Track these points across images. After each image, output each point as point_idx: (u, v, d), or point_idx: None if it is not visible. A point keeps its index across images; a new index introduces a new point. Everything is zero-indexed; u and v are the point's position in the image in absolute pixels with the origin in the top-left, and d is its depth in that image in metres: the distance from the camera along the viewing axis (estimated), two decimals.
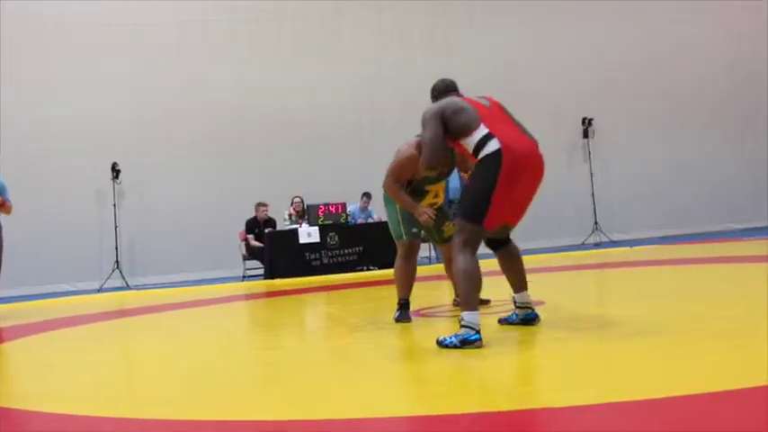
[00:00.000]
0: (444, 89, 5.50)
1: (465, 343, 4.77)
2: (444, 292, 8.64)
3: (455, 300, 6.53)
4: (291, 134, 16.64)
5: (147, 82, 16.15)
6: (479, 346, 4.74)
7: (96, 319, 9.37)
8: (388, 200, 6.44)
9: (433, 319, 6.64)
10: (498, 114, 5.24)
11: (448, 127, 5.13)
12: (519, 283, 5.56)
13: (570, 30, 17.93)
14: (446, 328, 5.61)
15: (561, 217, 17.25)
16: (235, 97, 16.57)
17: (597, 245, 16.75)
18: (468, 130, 5.05)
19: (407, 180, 6.24)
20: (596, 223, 17.26)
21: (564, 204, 17.36)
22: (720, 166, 18.36)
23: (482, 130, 5.01)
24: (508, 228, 5.44)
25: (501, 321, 5.70)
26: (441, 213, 6.46)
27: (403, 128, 14.94)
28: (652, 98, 18.04)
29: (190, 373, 4.97)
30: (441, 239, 6.59)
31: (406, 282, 6.43)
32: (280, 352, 5.80)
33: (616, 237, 17.07)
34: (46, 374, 5.38)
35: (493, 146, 4.93)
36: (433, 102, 5.45)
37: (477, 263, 5.00)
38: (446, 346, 4.80)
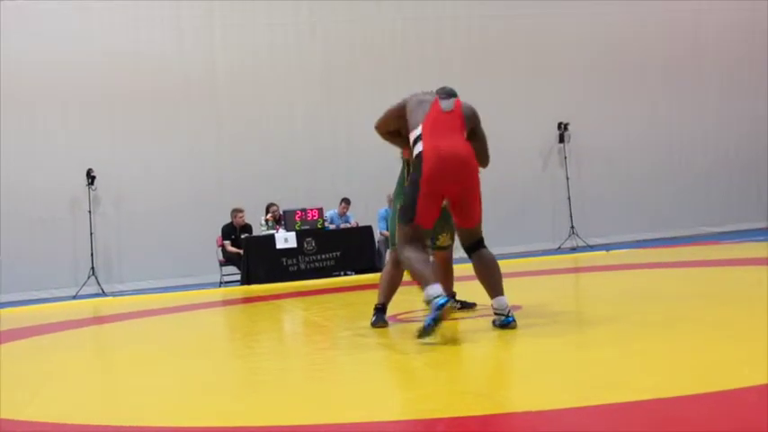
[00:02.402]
0: (434, 90, 5.77)
1: (440, 309, 4.98)
2: (422, 297, 8.65)
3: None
4: (268, 140, 16.60)
5: (122, 89, 16.07)
6: (453, 306, 5.29)
7: (72, 326, 9.30)
8: (396, 202, 6.40)
9: (411, 324, 6.63)
10: (444, 124, 5.48)
11: (406, 116, 5.61)
12: (491, 288, 5.53)
13: (546, 34, 18.00)
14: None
15: (537, 221, 17.34)
16: (210, 103, 16.55)
17: (573, 249, 16.83)
18: (412, 128, 5.54)
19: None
20: (572, 227, 17.34)
21: (540, 209, 17.46)
22: (696, 170, 18.50)
23: (417, 131, 5.47)
24: (465, 232, 5.57)
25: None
26: (442, 218, 6.10)
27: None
28: (627, 102, 18.14)
29: (166, 381, 4.95)
30: (434, 246, 6.52)
31: (389, 288, 6.36)
32: (257, 358, 5.78)
33: (592, 241, 17.15)
34: (19, 382, 5.34)
35: (418, 148, 5.41)
36: None
37: (420, 250, 5.38)
38: (429, 330, 5.01)
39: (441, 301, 5.00)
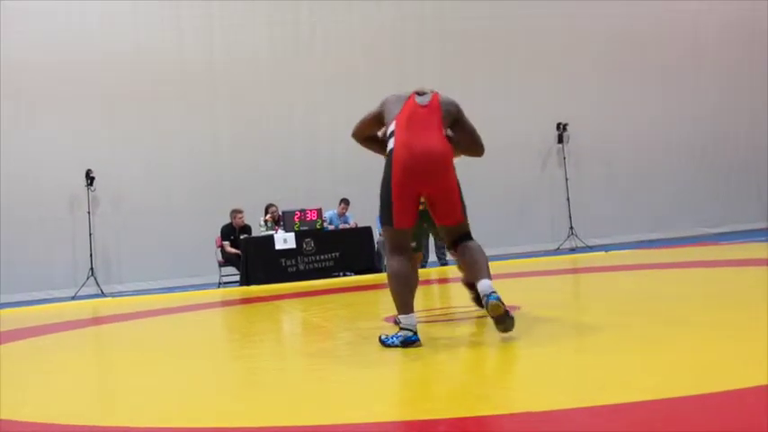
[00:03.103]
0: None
1: (406, 344, 5.01)
2: (421, 297, 8.64)
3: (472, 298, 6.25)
4: (267, 141, 16.61)
5: (121, 91, 16.09)
6: (419, 346, 5.01)
7: (71, 326, 9.30)
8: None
9: (425, 323, 6.62)
10: (418, 118, 5.28)
11: (384, 113, 5.47)
12: (477, 272, 5.18)
13: (545, 34, 18.01)
14: (426, 333, 5.61)
15: (536, 222, 17.35)
16: (209, 104, 16.56)
17: (572, 250, 16.83)
18: (386, 123, 5.39)
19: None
20: (571, 228, 17.34)
21: (539, 209, 17.47)
22: (695, 171, 18.52)
23: (391, 127, 5.29)
24: (448, 229, 5.39)
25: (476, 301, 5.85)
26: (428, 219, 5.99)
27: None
28: (626, 103, 18.15)
29: (165, 381, 4.94)
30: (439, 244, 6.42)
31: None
32: (256, 359, 5.77)
33: (591, 242, 17.15)
34: (18, 383, 5.33)
35: (390, 144, 5.23)
36: None
37: (407, 265, 5.19)
38: (388, 346, 5.06)
39: (413, 338, 5.05)
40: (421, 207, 5.79)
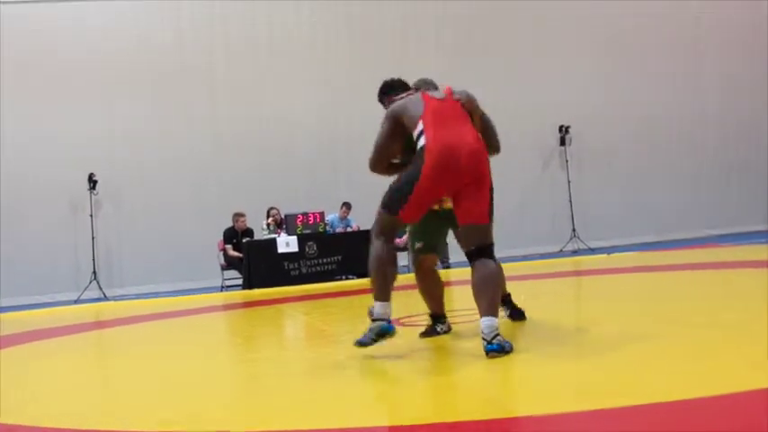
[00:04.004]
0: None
1: (381, 335, 4.88)
2: (420, 301, 8.63)
3: (429, 314, 5.91)
4: (269, 145, 16.62)
5: (123, 95, 16.13)
6: (393, 335, 4.92)
7: (73, 330, 9.31)
8: None
9: (413, 328, 6.62)
10: (445, 113, 5.02)
11: (404, 123, 5.10)
12: (480, 306, 4.76)
13: (548, 36, 18.01)
14: (428, 337, 5.62)
15: (539, 224, 17.33)
16: (211, 108, 16.57)
17: (575, 252, 16.81)
18: (411, 127, 5.04)
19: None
20: (574, 230, 17.33)
21: (541, 212, 17.46)
22: (697, 173, 18.51)
23: (419, 127, 4.97)
24: (469, 230, 4.93)
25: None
26: (449, 219, 5.42)
27: None
28: (629, 106, 18.15)
29: (167, 385, 4.95)
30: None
31: (427, 295, 5.82)
32: (258, 363, 5.78)
33: (593, 244, 17.13)
34: (20, 386, 5.33)
35: (421, 142, 4.91)
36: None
37: (391, 253, 5.02)
38: (364, 344, 4.89)
39: (388, 328, 4.91)
40: (436, 207, 5.40)
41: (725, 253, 12.53)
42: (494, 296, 4.81)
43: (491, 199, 5.03)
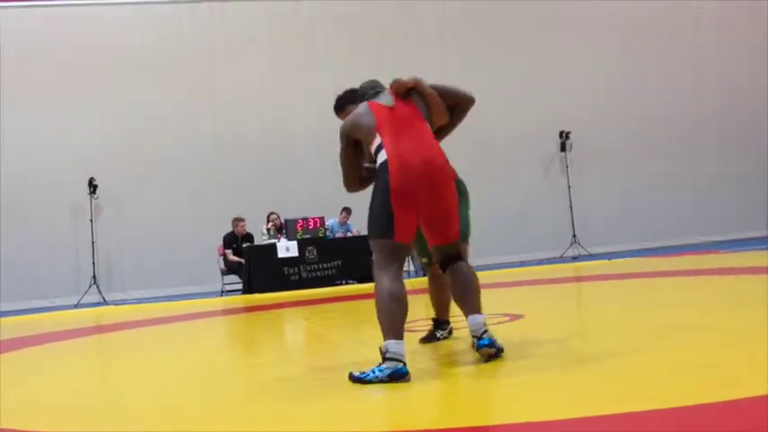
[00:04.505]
0: (365, 90, 5.08)
1: (394, 377, 4.28)
2: (424, 306, 8.61)
3: (432, 319, 5.86)
4: (269, 149, 16.63)
5: (124, 99, 16.15)
6: (408, 380, 4.28)
7: (73, 335, 9.30)
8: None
9: (411, 334, 6.61)
10: (397, 122, 4.71)
11: (359, 139, 4.81)
12: (466, 306, 4.73)
13: (547, 44, 18.03)
14: (428, 343, 5.61)
15: (539, 230, 17.33)
16: (212, 112, 16.59)
17: (575, 258, 16.81)
18: (368, 141, 4.72)
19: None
20: (574, 236, 17.33)
21: (542, 217, 17.45)
22: (697, 179, 18.52)
23: (377, 140, 4.66)
24: (441, 249, 4.77)
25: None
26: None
27: None
28: (629, 112, 18.17)
29: (167, 390, 4.94)
30: (430, 262, 5.69)
31: (434, 299, 5.82)
32: (257, 368, 5.77)
33: (594, 249, 17.13)
34: (21, 391, 5.33)
35: (381, 157, 4.59)
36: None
37: (401, 285, 4.51)
38: (369, 381, 4.30)
39: (402, 370, 4.31)
40: None
41: (725, 259, 12.53)
42: (477, 294, 4.69)
43: (462, 210, 4.95)
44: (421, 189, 4.53)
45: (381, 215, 4.53)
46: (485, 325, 4.64)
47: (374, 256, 4.61)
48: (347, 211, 15.06)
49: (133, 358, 6.85)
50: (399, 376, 4.28)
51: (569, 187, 17.58)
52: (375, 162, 4.68)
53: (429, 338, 5.73)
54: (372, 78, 5.22)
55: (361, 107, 4.86)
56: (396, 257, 4.55)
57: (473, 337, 4.63)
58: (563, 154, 17.76)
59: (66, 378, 5.87)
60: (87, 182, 15.49)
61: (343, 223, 15.07)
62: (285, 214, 14.63)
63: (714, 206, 18.38)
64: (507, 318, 6.65)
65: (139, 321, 10.21)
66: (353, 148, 4.87)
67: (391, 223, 4.50)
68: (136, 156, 16.16)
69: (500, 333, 5.70)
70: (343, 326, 8.16)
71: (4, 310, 14.21)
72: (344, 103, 5.25)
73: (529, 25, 18.02)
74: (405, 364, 4.33)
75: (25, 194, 15.57)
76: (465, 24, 17.73)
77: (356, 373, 4.40)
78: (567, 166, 17.69)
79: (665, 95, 18.44)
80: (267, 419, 3.86)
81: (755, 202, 18.51)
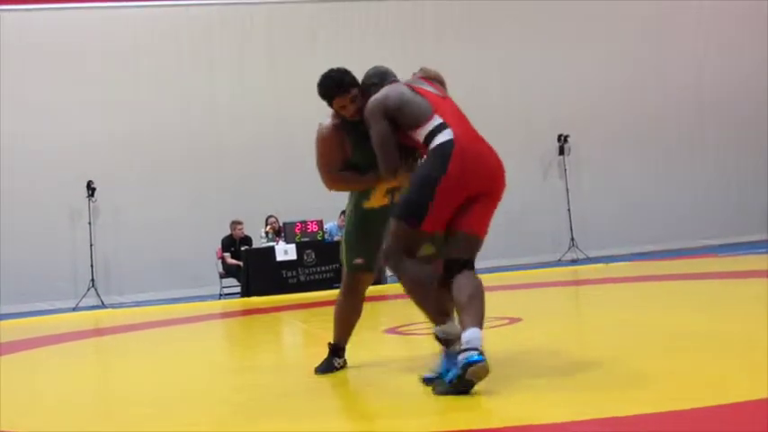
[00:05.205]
0: (382, 76, 4.81)
1: (469, 365, 3.87)
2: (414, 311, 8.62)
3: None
4: (268, 152, 16.62)
5: (122, 102, 16.13)
6: (485, 367, 3.93)
7: (71, 338, 9.30)
8: (346, 220, 5.21)
9: (409, 337, 6.62)
10: (452, 108, 4.48)
11: (396, 120, 4.44)
12: (463, 316, 4.15)
13: (546, 46, 18.04)
14: (422, 346, 5.61)
15: (537, 233, 17.32)
16: (209, 116, 16.58)
17: (574, 261, 16.80)
18: (419, 123, 4.36)
19: (343, 165, 4.98)
20: (572, 240, 17.32)
21: (540, 221, 17.44)
22: (695, 182, 18.52)
23: (435, 120, 4.32)
24: (468, 240, 4.31)
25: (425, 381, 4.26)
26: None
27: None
28: (628, 115, 18.16)
29: (164, 393, 4.94)
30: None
31: (342, 321, 5.11)
32: (255, 371, 5.77)
33: (592, 253, 17.12)
34: (19, 394, 5.33)
35: (446, 135, 4.24)
36: (371, 88, 4.75)
37: (425, 267, 4.31)
38: (451, 390, 3.93)
39: (473, 358, 3.88)
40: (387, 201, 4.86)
41: (723, 263, 12.53)
42: (483, 308, 4.17)
43: None
44: (481, 179, 4.25)
45: (418, 199, 4.21)
46: (479, 342, 4.01)
47: (389, 240, 4.31)
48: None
49: (131, 361, 6.85)
50: (472, 365, 3.89)
51: (567, 191, 17.58)
52: (427, 140, 4.31)
53: (327, 368, 5.04)
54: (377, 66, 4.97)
55: (401, 88, 4.56)
56: (414, 244, 4.29)
57: (470, 350, 3.95)
58: (561, 157, 17.76)
59: (64, 381, 5.87)
60: (86, 185, 15.47)
61: (342, 226, 15.05)
62: (284, 217, 14.62)
63: (713, 210, 18.36)
64: (505, 321, 6.66)
65: (137, 324, 10.21)
66: (393, 122, 4.46)
67: (426, 209, 4.17)
68: (134, 159, 16.13)
69: (498, 336, 5.72)
70: None
71: (2, 312, 14.19)
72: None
73: (527, 27, 18.01)
74: (480, 353, 3.95)
75: (24, 197, 15.53)
76: (465, 25, 17.72)
77: (430, 375, 4.17)
78: (565, 170, 17.69)
79: (663, 99, 18.43)
80: (265, 422, 3.86)
81: (755, 205, 18.50)
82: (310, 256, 13.98)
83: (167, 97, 16.39)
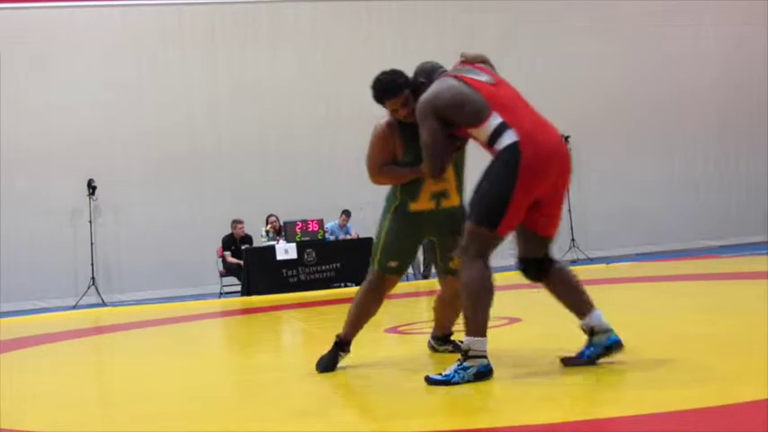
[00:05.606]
0: (428, 73, 4.66)
1: (479, 376, 4.14)
2: (421, 309, 8.62)
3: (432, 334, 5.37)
4: (269, 151, 16.63)
5: (123, 100, 16.13)
6: (491, 378, 4.17)
7: (72, 336, 9.30)
8: (382, 216, 4.99)
9: (411, 336, 6.62)
10: (508, 94, 4.40)
11: (449, 120, 4.30)
12: (583, 304, 4.50)
13: (546, 48, 18.03)
14: (424, 345, 5.60)
15: None
16: (211, 115, 16.58)
17: (574, 262, 16.78)
18: (476, 122, 4.22)
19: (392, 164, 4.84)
20: (573, 240, 17.31)
21: None
22: (696, 183, 18.51)
23: (494, 119, 4.19)
24: (545, 242, 4.44)
25: (569, 362, 4.46)
26: (451, 221, 4.79)
27: None
28: (628, 116, 18.15)
29: (164, 391, 4.94)
30: (444, 268, 5.01)
31: (358, 320, 5.07)
32: (255, 370, 5.78)
33: (592, 254, 17.11)
34: (18, 392, 5.33)
35: (510, 137, 4.14)
36: (419, 87, 4.60)
37: (491, 276, 4.24)
38: (455, 383, 4.12)
39: (487, 367, 4.18)
40: (432, 205, 4.82)
41: (723, 264, 12.53)
42: (583, 289, 4.51)
43: None
44: (552, 173, 4.20)
45: (495, 202, 4.13)
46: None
47: (465, 241, 4.23)
48: (347, 213, 15.08)
49: (131, 359, 6.85)
50: (485, 374, 4.14)
51: (568, 191, 17.54)
52: (491, 141, 4.21)
53: (331, 364, 5.01)
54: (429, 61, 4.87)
55: (452, 82, 4.37)
56: (489, 250, 4.23)
57: (603, 332, 4.35)
58: None
59: (64, 379, 5.87)
60: (86, 183, 15.47)
61: (343, 226, 15.08)
62: (284, 216, 14.62)
63: (714, 210, 18.35)
64: (505, 321, 6.65)
65: (138, 323, 10.21)
66: (446, 121, 4.32)
67: (503, 213, 4.11)
68: (135, 157, 16.13)
69: (498, 336, 5.71)
70: (341, 328, 8.14)
71: (2, 310, 14.19)
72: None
73: (526, 28, 18.00)
74: (488, 361, 4.18)
75: (24, 196, 15.53)
76: (465, 25, 17.70)
77: (436, 376, 4.19)
78: None
79: (663, 100, 18.41)
80: (264, 421, 3.86)
81: (756, 207, 18.49)
82: (311, 255, 13.97)
83: (169, 96, 16.38)
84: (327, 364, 4.90)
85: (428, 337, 5.50)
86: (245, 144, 16.57)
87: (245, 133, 16.61)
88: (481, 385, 4.32)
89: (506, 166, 4.10)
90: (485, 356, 4.16)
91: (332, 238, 14.65)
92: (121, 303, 14.83)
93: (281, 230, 14.42)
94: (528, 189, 4.10)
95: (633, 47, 18.37)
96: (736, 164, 18.71)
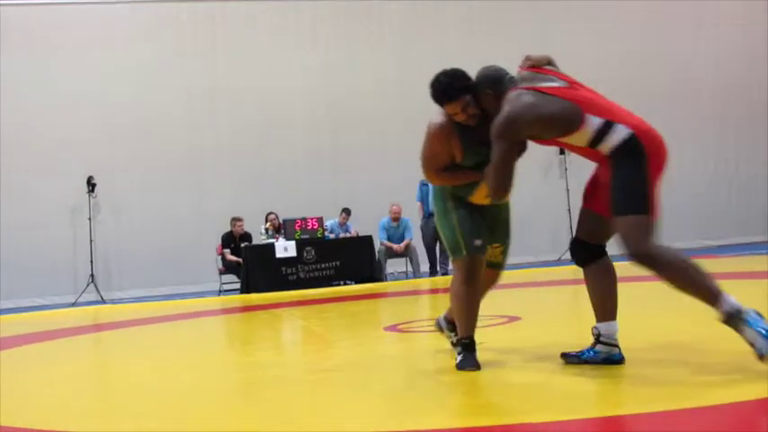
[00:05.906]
0: (495, 84, 4.59)
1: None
2: (422, 307, 8.62)
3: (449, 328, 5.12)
4: (269, 149, 16.62)
5: (123, 97, 16.12)
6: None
7: (70, 333, 9.30)
8: (442, 211, 4.83)
9: (412, 334, 6.62)
10: (589, 92, 4.43)
11: (535, 137, 4.39)
12: (608, 309, 4.43)
13: (546, 48, 18.00)
14: (425, 344, 5.60)
15: (537, 233, 17.32)
16: (210, 112, 16.58)
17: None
18: (572, 129, 4.21)
19: (447, 165, 4.72)
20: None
21: (540, 220, 17.44)
22: (696, 183, 18.51)
23: (593, 122, 4.17)
24: (610, 231, 4.38)
25: (568, 358, 4.52)
26: (498, 221, 4.96)
27: (381, 143, 15.00)
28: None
29: (163, 389, 4.94)
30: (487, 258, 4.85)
31: (471, 312, 4.71)
32: (254, 367, 5.77)
33: None
34: (18, 390, 5.33)
35: (621, 132, 4.15)
36: (483, 94, 4.57)
37: (680, 250, 4.36)
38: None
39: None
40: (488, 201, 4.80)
41: (724, 264, 12.52)
42: (617, 295, 4.55)
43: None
44: (663, 161, 4.30)
45: (641, 190, 4.12)
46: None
47: (640, 231, 4.15)
48: (347, 212, 15.07)
49: (130, 357, 6.85)
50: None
51: (568, 191, 17.56)
52: (594, 143, 4.20)
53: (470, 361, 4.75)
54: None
55: (530, 99, 4.29)
56: (653, 234, 4.20)
57: (609, 344, 4.39)
58: (561, 157, 17.75)
59: (62, 376, 5.87)
60: (86, 180, 15.47)
61: (343, 224, 15.07)
62: (284, 214, 14.62)
63: (714, 210, 18.36)
64: (504, 320, 6.66)
65: (137, 320, 10.20)
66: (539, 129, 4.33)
67: (651, 200, 4.14)
68: (135, 155, 16.12)
69: (497, 335, 5.72)
70: (340, 326, 8.15)
71: (1, 307, 14.20)
72: (461, 88, 4.65)
73: (526, 28, 18.00)
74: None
75: (24, 192, 15.53)
76: (465, 26, 17.71)
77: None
78: (565, 170, 17.68)
79: (663, 99, 18.41)
80: (263, 419, 3.86)
81: (756, 206, 18.50)
82: (310, 253, 13.97)
83: (168, 93, 16.37)
84: (474, 362, 4.62)
85: (428, 334, 5.49)
86: (244, 142, 16.57)
87: (245, 131, 16.62)
88: (481, 384, 4.32)
89: (632, 155, 4.11)
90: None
91: (332, 236, 14.65)
92: (121, 301, 14.83)
93: (281, 228, 14.42)
94: (655, 173, 4.16)
95: (633, 47, 18.37)
96: (735, 164, 18.72)
